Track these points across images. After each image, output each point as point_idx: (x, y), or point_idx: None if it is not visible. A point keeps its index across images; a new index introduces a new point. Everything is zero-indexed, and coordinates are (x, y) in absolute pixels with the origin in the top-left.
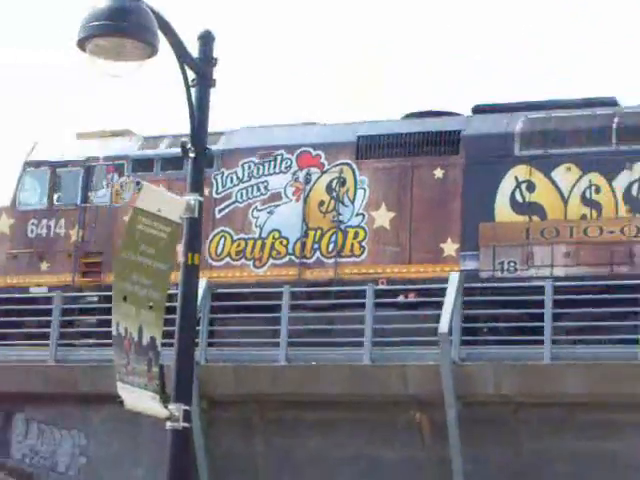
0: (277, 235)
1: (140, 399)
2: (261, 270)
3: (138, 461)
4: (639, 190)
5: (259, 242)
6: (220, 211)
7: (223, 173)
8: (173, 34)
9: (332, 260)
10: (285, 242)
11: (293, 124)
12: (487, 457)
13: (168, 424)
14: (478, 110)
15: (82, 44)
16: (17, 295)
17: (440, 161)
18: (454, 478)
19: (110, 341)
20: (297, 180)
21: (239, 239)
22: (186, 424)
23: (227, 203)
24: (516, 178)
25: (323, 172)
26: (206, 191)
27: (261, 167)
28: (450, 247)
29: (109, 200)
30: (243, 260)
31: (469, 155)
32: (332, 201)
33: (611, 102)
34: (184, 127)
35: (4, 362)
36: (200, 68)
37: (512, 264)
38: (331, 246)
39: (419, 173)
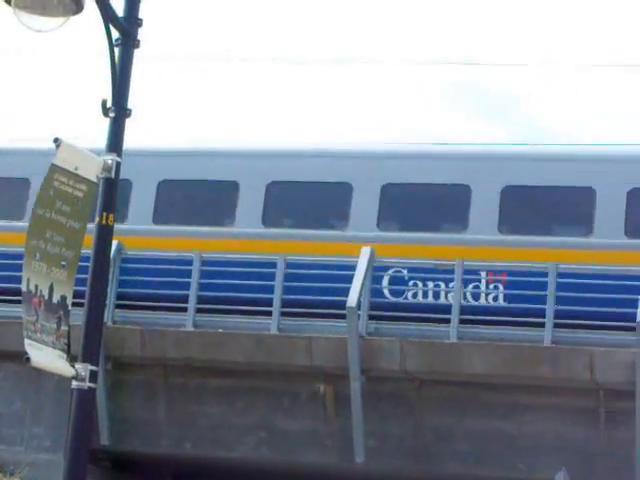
0: None
1: (47, 357)
2: None
3: (39, 419)
4: None
5: None
6: None
7: None
8: None
9: None
10: None
11: None
12: (389, 433)
13: (73, 383)
14: None
15: None
16: None
17: None
18: (355, 452)
19: (16, 298)
20: None
21: None
22: (92, 384)
23: None
24: None
25: None
26: None
27: None
28: None
29: None
30: None
31: None
32: None
33: None
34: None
35: None
36: (125, 27)
37: None
38: None
39: None
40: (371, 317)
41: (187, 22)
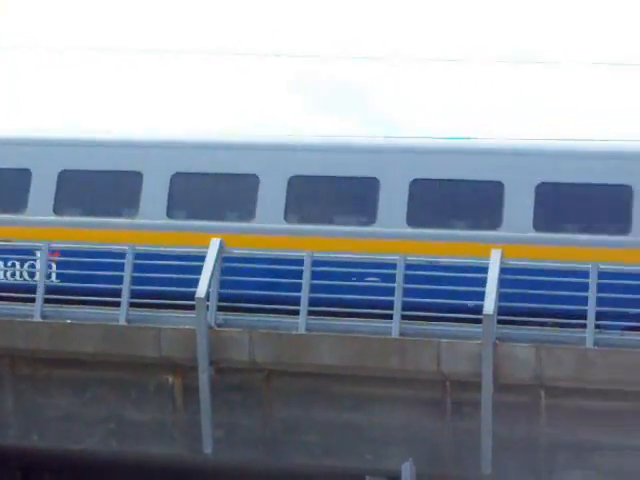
0: None
1: None
2: None
3: None
4: None
5: None
6: None
7: None
8: None
9: None
10: None
11: None
12: (237, 424)
13: None
14: None
15: None
16: None
17: None
18: (203, 443)
19: None
20: None
21: None
22: None
23: None
24: None
25: None
26: None
27: None
28: None
29: None
30: None
31: None
32: None
33: None
34: None
35: None
36: None
37: None
38: None
39: None
40: (220, 308)
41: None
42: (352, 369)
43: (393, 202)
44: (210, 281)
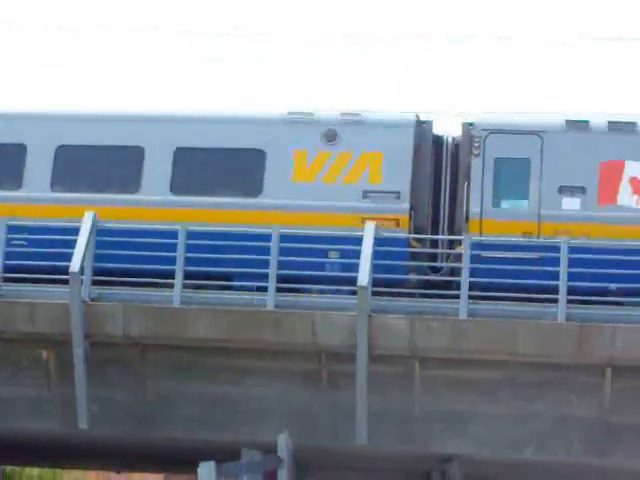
0: None
1: None
2: None
3: None
4: None
5: None
6: None
7: None
8: None
9: None
10: None
11: None
12: (113, 398)
13: None
14: None
15: None
16: None
17: None
18: (78, 418)
19: None
20: None
21: None
22: None
23: None
24: None
25: None
26: None
27: None
28: None
29: None
30: None
31: None
32: None
33: None
34: None
35: None
36: None
37: None
38: None
39: None
40: (95, 282)
41: None
42: (227, 342)
43: (38, 167)
44: (84, 255)
